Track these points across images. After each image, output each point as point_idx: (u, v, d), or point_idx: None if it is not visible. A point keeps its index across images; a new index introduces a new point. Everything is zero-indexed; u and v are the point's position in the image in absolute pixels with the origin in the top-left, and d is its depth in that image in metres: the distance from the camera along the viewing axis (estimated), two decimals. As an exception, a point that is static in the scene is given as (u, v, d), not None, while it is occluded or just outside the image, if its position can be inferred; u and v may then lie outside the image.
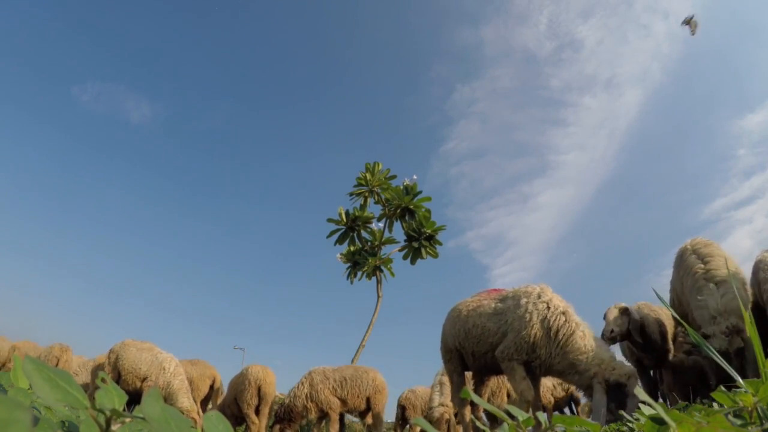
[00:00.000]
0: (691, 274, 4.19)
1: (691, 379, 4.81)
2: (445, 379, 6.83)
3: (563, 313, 4.04)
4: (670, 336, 5.10)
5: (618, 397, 3.69)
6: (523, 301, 4.24)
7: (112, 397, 0.56)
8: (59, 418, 0.76)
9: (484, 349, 4.51)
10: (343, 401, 7.21)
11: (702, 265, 4.17)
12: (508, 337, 4.21)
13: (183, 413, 4.31)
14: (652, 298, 5.47)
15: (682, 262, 4.45)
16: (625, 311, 4.89)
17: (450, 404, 6.73)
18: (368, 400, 7.27)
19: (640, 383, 3.89)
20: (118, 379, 6.94)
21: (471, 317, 4.67)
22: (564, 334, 3.93)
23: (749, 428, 0.79)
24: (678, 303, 4.54)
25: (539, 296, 4.22)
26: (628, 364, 3.81)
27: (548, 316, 4.03)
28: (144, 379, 6.83)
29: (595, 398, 3.67)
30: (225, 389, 10.06)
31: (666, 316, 5.36)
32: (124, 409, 0.56)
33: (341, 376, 7.30)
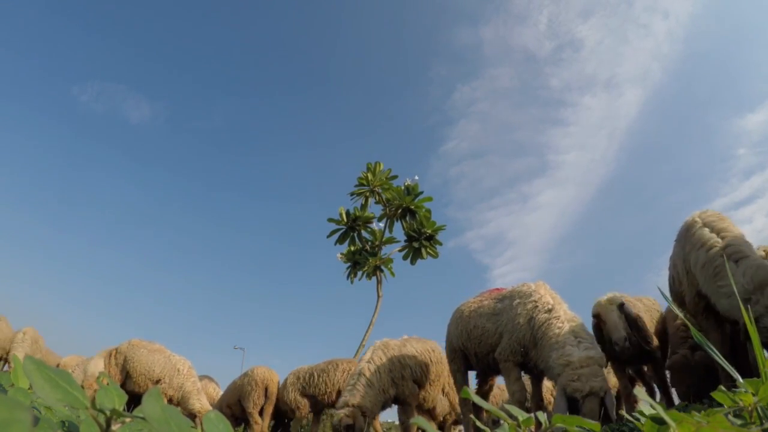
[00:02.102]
0: (705, 249, 3.44)
1: (697, 379, 4.26)
2: (368, 368, 5.19)
3: (548, 310, 3.89)
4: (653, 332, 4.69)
5: (573, 411, 3.29)
6: (516, 301, 4.18)
7: (112, 397, 0.56)
8: (59, 418, 0.76)
9: (485, 349, 4.48)
10: (312, 398, 7.08)
11: (718, 239, 3.42)
12: (503, 338, 4.19)
13: (195, 415, 4.35)
14: (656, 296, 5.37)
15: (690, 236, 3.69)
16: (622, 307, 4.20)
17: (360, 403, 4.92)
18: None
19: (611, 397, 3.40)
20: (126, 379, 6.94)
21: (472, 318, 4.67)
22: (543, 331, 3.79)
23: (749, 428, 0.79)
24: (679, 282, 3.92)
25: (530, 296, 4.11)
26: (600, 376, 3.34)
27: (534, 316, 3.93)
28: (157, 381, 6.82)
29: (555, 404, 3.42)
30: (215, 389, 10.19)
31: (645, 308, 4.85)
32: (124, 409, 0.56)
33: (310, 373, 7.20)
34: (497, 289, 4.79)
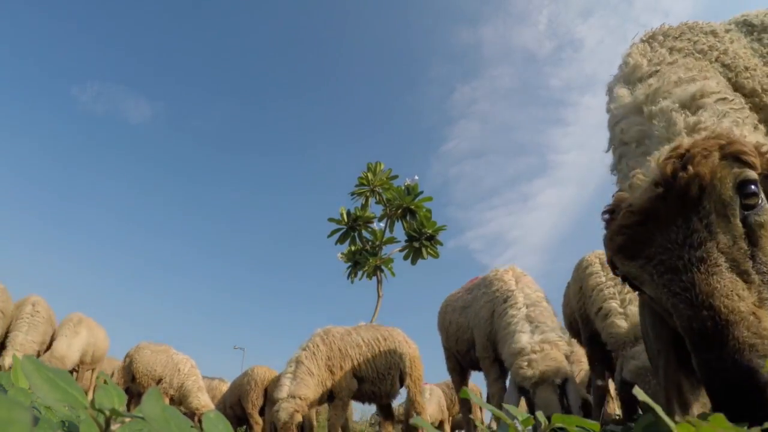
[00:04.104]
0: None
1: None
2: (304, 356, 4.58)
3: (506, 299, 3.43)
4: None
5: (528, 404, 2.95)
6: (481, 292, 3.81)
7: (112, 397, 0.56)
8: (59, 418, 0.76)
9: (464, 347, 4.12)
10: None
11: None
12: (475, 333, 3.81)
13: (194, 412, 4.42)
14: None
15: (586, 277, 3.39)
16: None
17: (306, 395, 4.34)
18: None
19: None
20: (132, 381, 7.02)
21: (448, 313, 4.37)
22: (498, 323, 3.40)
23: (749, 428, 0.79)
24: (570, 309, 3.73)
25: (492, 284, 3.68)
26: (556, 360, 2.92)
27: (495, 307, 3.52)
28: (159, 381, 6.93)
29: (505, 397, 3.11)
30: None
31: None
32: (123, 410, 0.56)
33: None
34: (475, 278, 4.35)
